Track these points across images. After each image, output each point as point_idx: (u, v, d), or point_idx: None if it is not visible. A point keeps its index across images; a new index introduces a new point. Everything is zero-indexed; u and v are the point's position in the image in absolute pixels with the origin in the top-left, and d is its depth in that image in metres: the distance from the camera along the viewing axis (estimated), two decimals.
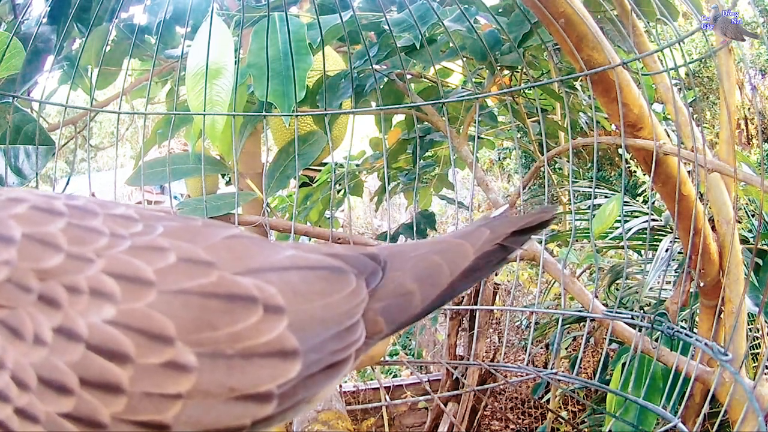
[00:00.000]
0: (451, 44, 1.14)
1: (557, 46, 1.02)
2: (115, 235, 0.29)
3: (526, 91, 1.32)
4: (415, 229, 1.15)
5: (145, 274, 0.28)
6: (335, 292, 0.31)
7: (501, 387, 2.74)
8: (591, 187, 1.51)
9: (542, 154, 0.92)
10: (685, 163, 0.85)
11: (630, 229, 1.38)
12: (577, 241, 1.61)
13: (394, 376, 3.42)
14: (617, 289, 1.64)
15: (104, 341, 0.27)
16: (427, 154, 1.55)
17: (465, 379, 2.36)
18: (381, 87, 1.20)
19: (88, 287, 0.27)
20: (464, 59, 1.11)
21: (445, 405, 2.44)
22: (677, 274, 1.32)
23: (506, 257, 0.36)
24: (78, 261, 0.28)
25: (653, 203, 1.42)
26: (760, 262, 1.12)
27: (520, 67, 1.17)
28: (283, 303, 0.30)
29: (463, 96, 1.15)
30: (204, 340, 0.28)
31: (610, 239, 1.57)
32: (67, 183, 0.91)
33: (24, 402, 0.26)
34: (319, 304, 0.31)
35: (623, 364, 0.92)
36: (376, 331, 0.32)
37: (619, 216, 0.97)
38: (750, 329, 0.97)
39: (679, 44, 0.68)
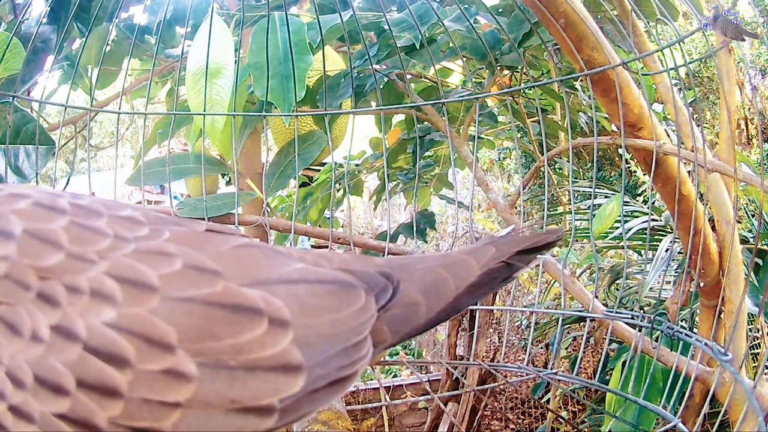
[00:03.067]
0: (451, 44, 1.14)
1: (557, 46, 1.02)
2: (119, 238, 0.29)
3: (526, 91, 1.32)
4: (414, 228, 1.15)
5: (148, 278, 0.28)
6: (344, 307, 0.31)
7: (501, 387, 2.74)
8: (591, 187, 1.51)
9: (542, 154, 0.92)
10: (685, 163, 0.85)
11: (630, 229, 1.38)
12: (577, 241, 1.62)
13: (394, 376, 3.42)
14: (617, 289, 1.64)
15: (103, 343, 0.26)
16: (427, 154, 1.55)
17: (465, 379, 2.36)
18: (381, 87, 1.20)
19: (88, 288, 0.27)
20: (464, 59, 1.11)
21: (445, 405, 2.44)
22: (677, 274, 1.32)
23: (511, 275, 0.36)
24: (79, 261, 0.27)
25: (653, 203, 1.42)
26: (760, 262, 1.12)
27: (520, 67, 1.17)
28: (289, 317, 0.29)
29: (463, 96, 1.15)
30: (206, 349, 0.27)
31: (610, 239, 1.57)
32: (67, 183, 0.91)
33: (19, 400, 0.25)
34: (326, 319, 0.30)
35: (623, 364, 0.92)
36: (380, 340, 0.32)
37: (619, 216, 0.97)
38: (750, 329, 0.97)
39: (679, 44, 0.68)
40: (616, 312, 0.79)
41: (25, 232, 0.27)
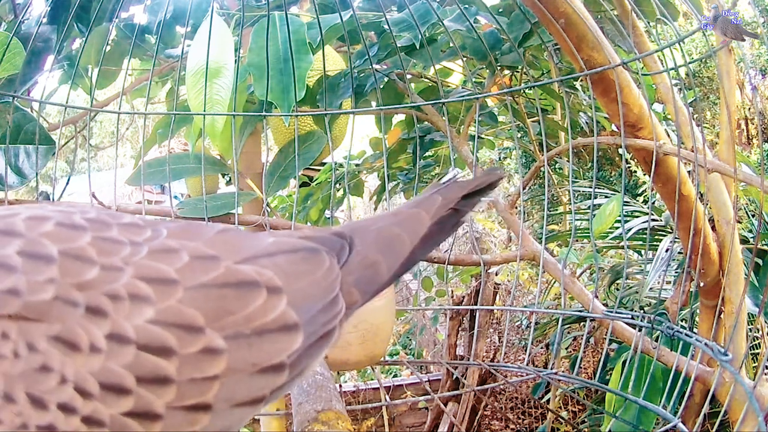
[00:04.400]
0: (451, 44, 1.14)
1: (557, 46, 1.02)
2: (134, 243, 0.32)
3: (526, 91, 1.32)
4: None
5: (169, 274, 0.31)
6: (315, 270, 0.35)
7: (501, 387, 2.74)
8: (591, 187, 1.51)
9: (542, 154, 0.92)
10: (685, 163, 0.85)
11: (630, 229, 1.38)
12: (577, 241, 1.61)
13: (394, 376, 3.42)
14: (617, 289, 1.64)
15: (151, 340, 0.29)
16: (427, 154, 1.55)
17: (465, 379, 2.36)
18: (381, 87, 1.20)
19: (126, 293, 0.30)
20: (464, 59, 1.10)
21: (445, 405, 2.44)
22: (677, 274, 1.32)
23: (459, 221, 0.39)
24: (111, 271, 0.30)
25: (653, 203, 1.42)
26: (760, 262, 1.12)
27: (520, 67, 1.17)
28: (280, 283, 0.33)
29: (463, 96, 1.15)
30: (226, 324, 0.31)
31: (610, 239, 1.57)
32: (67, 183, 0.91)
33: (89, 410, 0.28)
34: (306, 281, 0.34)
35: (623, 363, 0.92)
36: (352, 301, 0.36)
37: (619, 216, 0.97)
38: (750, 329, 0.97)
39: (679, 44, 0.68)
40: (616, 312, 0.79)
41: (62, 254, 0.30)
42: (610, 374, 1.03)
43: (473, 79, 1.24)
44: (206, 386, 0.30)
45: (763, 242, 1.18)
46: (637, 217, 1.46)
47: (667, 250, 1.22)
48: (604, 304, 0.94)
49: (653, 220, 1.37)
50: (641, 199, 2.46)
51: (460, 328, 2.49)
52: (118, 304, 0.29)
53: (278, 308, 0.32)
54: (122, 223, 0.33)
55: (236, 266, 0.32)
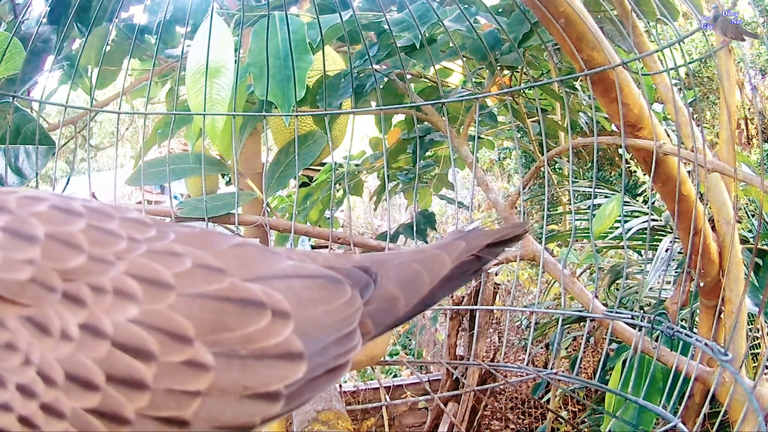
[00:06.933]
0: (451, 44, 1.14)
1: (557, 46, 1.02)
2: (132, 239, 0.31)
3: (526, 91, 1.32)
4: (415, 229, 1.15)
5: (164, 277, 0.30)
6: (334, 300, 0.33)
7: (501, 387, 2.74)
8: (591, 187, 1.51)
9: (542, 154, 0.92)
10: (685, 163, 0.85)
11: (630, 229, 1.38)
12: (577, 241, 1.61)
13: (394, 376, 3.42)
14: (617, 289, 1.64)
15: (129, 339, 0.28)
16: (427, 154, 1.55)
17: (465, 379, 2.36)
18: (381, 87, 1.20)
19: (111, 288, 0.28)
20: (464, 59, 1.10)
21: (445, 405, 2.44)
22: (677, 274, 1.32)
23: (481, 267, 0.39)
24: (100, 263, 0.29)
25: (653, 203, 1.42)
26: (760, 262, 1.12)
27: (520, 67, 1.17)
28: (289, 308, 0.31)
29: (463, 96, 1.15)
30: (220, 340, 0.29)
31: (610, 239, 1.57)
32: (67, 183, 0.91)
33: (50, 398, 0.26)
34: (320, 310, 0.32)
35: (623, 363, 0.92)
36: (364, 332, 0.34)
37: (619, 216, 0.97)
38: (750, 329, 0.97)
39: (679, 44, 0.68)
40: (616, 312, 0.79)
41: (48, 236, 0.29)
42: (610, 374, 1.03)
43: (473, 79, 1.24)
44: (185, 401, 0.28)
45: (763, 242, 1.18)
46: (637, 217, 1.46)
47: (667, 250, 1.22)
48: (604, 304, 0.93)
49: (653, 220, 1.37)
50: (641, 199, 2.46)
51: (460, 328, 2.49)
52: (99, 296, 0.28)
53: (282, 334, 0.30)
54: (126, 218, 0.32)
55: (243, 283, 0.31)
